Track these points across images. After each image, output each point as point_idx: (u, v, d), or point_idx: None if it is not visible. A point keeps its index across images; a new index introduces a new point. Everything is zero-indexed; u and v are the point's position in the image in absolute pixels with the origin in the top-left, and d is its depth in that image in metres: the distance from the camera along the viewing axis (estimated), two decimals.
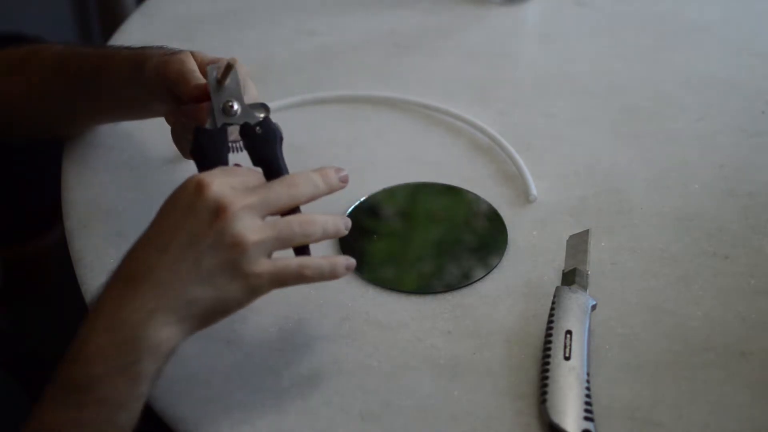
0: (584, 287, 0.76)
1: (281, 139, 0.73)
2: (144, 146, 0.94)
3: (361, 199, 0.88)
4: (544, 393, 0.69)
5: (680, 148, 0.95)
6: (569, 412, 0.68)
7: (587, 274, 0.77)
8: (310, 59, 1.07)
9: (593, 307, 0.75)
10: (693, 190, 0.90)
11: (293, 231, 0.66)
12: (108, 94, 0.85)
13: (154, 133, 0.93)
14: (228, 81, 0.72)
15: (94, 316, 0.62)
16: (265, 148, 0.72)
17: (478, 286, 0.80)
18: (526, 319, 0.77)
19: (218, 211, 0.63)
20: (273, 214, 0.66)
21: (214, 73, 0.72)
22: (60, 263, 0.89)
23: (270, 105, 0.75)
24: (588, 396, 0.69)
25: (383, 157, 0.94)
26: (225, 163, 0.71)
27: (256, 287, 0.65)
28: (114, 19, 1.73)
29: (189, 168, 0.91)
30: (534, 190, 0.88)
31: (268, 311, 0.77)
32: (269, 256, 0.65)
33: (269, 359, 0.75)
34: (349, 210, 0.87)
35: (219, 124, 0.72)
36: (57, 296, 1.52)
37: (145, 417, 0.72)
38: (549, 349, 0.72)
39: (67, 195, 0.90)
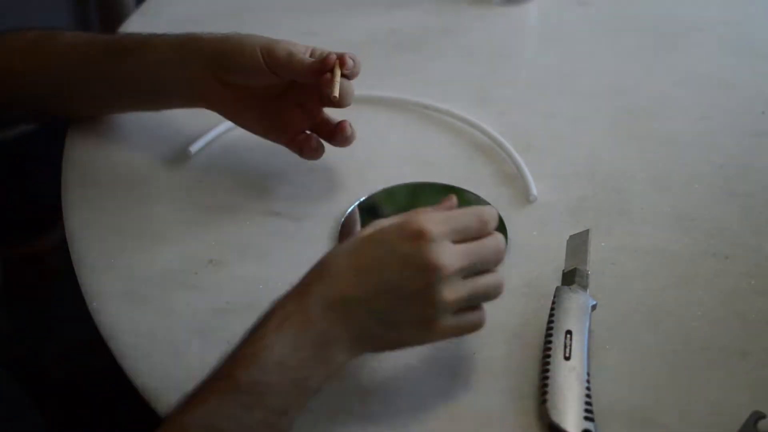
0: (584, 287, 0.76)
1: None
2: (144, 146, 0.94)
3: (361, 199, 0.88)
4: (544, 393, 0.69)
5: (680, 148, 0.95)
6: (569, 412, 0.68)
7: (587, 274, 0.77)
8: None
9: (593, 307, 0.75)
10: (693, 190, 0.90)
11: (486, 292, 0.69)
12: (141, 77, 0.87)
13: (154, 133, 0.93)
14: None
15: (281, 323, 0.64)
16: None
17: None
18: (526, 319, 0.77)
19: (429, 271, 0.65)
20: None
21: None
22: (60, 263, 0.89)
23: None
24: (588, 396, 0.69)
25: (383, 157, 0.94)
26: None
27: (435, 339, 0.69)
28: (114, 19, 1.73)
29: (188, 169, 0.91)
30: (534, 190, 0.88)
31: None
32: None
33: None
34: (349, 210, 0.87)
35: None
36: (57, 296, 1.52)
37: (145, 417, 0.72)
38: (549, 349, 0.72)
39: (67, 195, 0.90)
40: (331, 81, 0.81)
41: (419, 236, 0.65)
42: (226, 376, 0.62)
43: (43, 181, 1.36)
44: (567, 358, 0.71)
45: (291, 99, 0.86)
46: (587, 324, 0.74)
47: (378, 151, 0.95)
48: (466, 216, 0.68)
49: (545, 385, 0.70)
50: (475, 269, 0.67)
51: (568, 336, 0.72)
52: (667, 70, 1.06)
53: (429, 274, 0.64)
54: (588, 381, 0.70)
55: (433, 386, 0.72)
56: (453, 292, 0.66)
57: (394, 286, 0.65)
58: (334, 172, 0.92)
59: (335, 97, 0.81)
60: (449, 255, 0.65)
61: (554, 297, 0.75)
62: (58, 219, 0.88)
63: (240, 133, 0.91)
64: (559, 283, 0.77)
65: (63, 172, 0.92)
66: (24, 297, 1.61)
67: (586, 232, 0.81)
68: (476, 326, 0.69)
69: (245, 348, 0.63)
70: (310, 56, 0.83)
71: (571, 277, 0.77)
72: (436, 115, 0.99)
